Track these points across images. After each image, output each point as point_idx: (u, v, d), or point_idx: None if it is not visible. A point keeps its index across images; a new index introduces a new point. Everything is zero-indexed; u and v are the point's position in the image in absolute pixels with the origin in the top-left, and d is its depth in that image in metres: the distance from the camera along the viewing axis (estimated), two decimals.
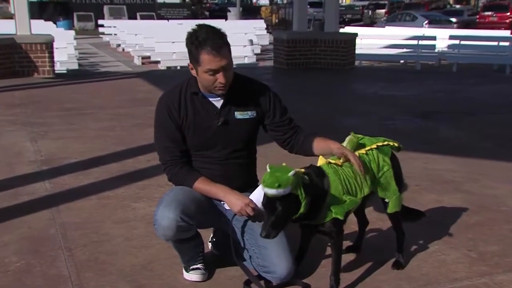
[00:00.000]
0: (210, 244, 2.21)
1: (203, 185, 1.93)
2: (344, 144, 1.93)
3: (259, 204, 1.77)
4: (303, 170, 1.75)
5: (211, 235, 2.21)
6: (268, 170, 1.66)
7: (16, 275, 2.04)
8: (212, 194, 1.93)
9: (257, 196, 1.81)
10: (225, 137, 1.95)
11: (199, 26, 1.88)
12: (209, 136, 1.95)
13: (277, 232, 1.70)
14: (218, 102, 1.95)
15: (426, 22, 17.48)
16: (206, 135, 1.95)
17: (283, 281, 1.91)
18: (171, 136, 1.95)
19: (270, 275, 1.92)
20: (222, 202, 1.98)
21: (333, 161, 1.86)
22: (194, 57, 1.85)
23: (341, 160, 1.87)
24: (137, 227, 2.47)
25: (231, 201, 1.88)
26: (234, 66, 1.91)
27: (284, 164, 1.70)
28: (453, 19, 18.30)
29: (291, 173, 1.62)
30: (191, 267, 2.00)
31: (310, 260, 2.03)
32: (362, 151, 1.93)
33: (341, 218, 1.76)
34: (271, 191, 1.62)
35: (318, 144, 1.95)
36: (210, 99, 1.95)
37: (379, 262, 2.11)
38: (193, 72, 1.90)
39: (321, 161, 1.85)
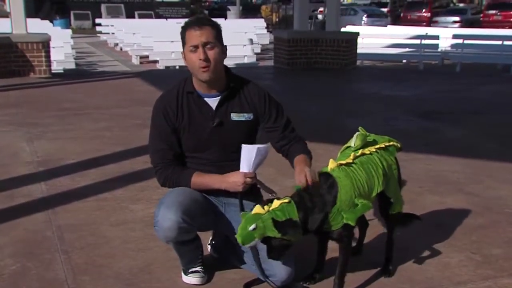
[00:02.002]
0: (209, 247, 2.18)
1: (198, 179, 1.90)
2: (353, 139, 1.92)
3: (254, 167, 1.83)
4: (286, 200, 1.71)
5: (210, 238, 2.19)
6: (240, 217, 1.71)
7: (12, 279, 2.01)
8: (209, 185, 1.91)
9: (247, 163, 1.83)
10: (220, 138, 1.92)
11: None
12: (204, 137, 1.92)
13: (280, 255, 1.75)
14: (213, 103, 1.92)
15: (365, 15, 19.40)
16: (201, 136, 1.92)
17: (283, 284, 1.89)
18: (165, 139, 1.92)
19: (270, 278, 1.89)
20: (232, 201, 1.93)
21: (343, 162, 1.84)
22: (182, 40, 1.88)
23: (351, 157, 1.85)
24: (135, 229, 2.45)
25: (229, 184, 1.87)
26: (233, 66, 1.88)
27: (257, 206, 1.69)
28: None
29: (250, 228, 1.64)
30: (190, 270, 1.97)
31: (310, 262, 1.99)
32: (372, 148, 1.93)
33: (352, 224, 1.75)
34: (243, 248, 1.73)
35: (295, 163, 1.91)
36: (206, 99, 1.92)
37: (380, 264, 2.09)
38: (184, 61, 1.90)
39: (331, 164, 1.83)
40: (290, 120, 2.01)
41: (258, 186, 1.91)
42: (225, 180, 1.88)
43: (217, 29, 1.88)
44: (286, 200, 1.70)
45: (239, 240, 1.68)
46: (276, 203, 1.69)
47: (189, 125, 1.91)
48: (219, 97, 1.91)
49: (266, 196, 2.07)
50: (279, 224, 1.65)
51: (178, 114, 1.91)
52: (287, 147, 1.97)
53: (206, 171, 1.93)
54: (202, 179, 1.91)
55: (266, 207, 1.68)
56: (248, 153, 1.82)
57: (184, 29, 1.87)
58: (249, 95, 1.95)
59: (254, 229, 1.63)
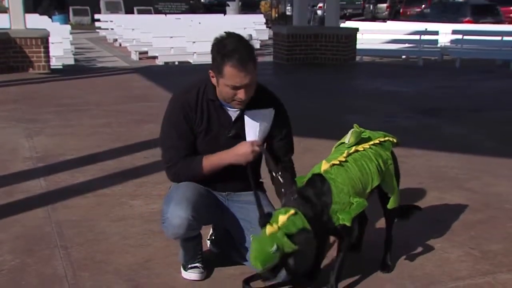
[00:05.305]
0: (208, 242, 2.18)
1: (209, 162, 1.88)
2: (348, 136, 1.92)
3: (260, 134, 1.81)
4: (292, 211, 1.67)
5: (210, 233, 2.19)
6: (251, 240, 1.66)
7: (11, 274, 2.01)
8: (221, 163, 1.88)
9: (253, 131, 1.82)
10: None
11: (228, 34, 1.80)
12: (218, 145, 1.91)
13: (297, 269, 1.71)
14: (234, 113, 1.90)
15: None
16: (215, 144, 1.91)
17: (284, 280, 1.88)
18: (182, 137, 1.89)
19: None
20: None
21: (336, 161, 1.82)
22: (217, 67, 1.78)
23: (344, 154, 1.84)
24: (134, 225, 2.44)
25: (240, 156, 1.84)
26: None
27: (268, 226, 1.64)
28: None
29: (273, 250, 1.60)
30: (189, 266, 1.98)
31: None
32: (366, 145, 1.92)
33: (348, 224, 1.75)
34: (260, 271, 1.65)
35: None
36: (227, 107, 1.90)
37: (380, 260, 2.08)
38: (214, 80, 1.83)
39: (324, 166, 1.80)
40: (293, 143, 2.01)
41: (265, 157, 1.87)
42: (235, 153, 1.85)
43: (255, 55, 1.79)
44: (292, 212, 1.67)
45: (258, 264, 1.62)
46: (283, 218, 1.66)
47: (206, 131, 1.89)
48: (239, 110, 1.88)
49: (269, 190, 2.06)
50: (294, 237, 1.63)
51: (197, 117, 1.88)
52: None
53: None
54: (212, 160, 1.88)
55: (274, 224, 1.65)
56: (252, 121, 1.81)
57: (224, 60, 1.73)
58: (268, 107, 1.91)
59: (276, 250, 1.60)
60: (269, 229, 1.64)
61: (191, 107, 1.88)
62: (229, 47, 1.74)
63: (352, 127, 1.97)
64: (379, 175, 1.87)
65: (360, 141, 1.91)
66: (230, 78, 1.75)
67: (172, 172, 1.92)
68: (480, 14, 14.16)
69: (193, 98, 1.89)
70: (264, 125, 1.83)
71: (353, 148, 1.87)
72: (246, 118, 1.83)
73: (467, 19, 13.74)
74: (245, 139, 1.89)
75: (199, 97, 1.89)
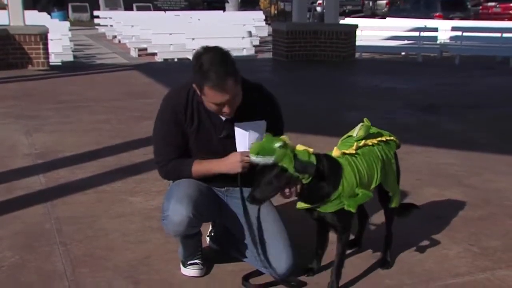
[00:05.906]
0: (207, 239, 2.18)
1: (198, 168, 1.89)
2: (356, 130, 1.92)
3: (249, 146, 1.80)
4: (311, 150, 1.71)
5: (210, 229, 2.19)
6: (264, 138, 1.69)
7: (10, 271, 2.01)
8: (210, 171, 1.89)
9: (243, 143, 1.84)
10: (226, 148, 1.91)
11: (205, 49, 1.76)
12: (210, 146, 1.91)
13: (262, 200, 1.71)
14: None
15: None
16: (207, 145, 1.91)
17: (283, 277, 1.89)
18: (173, 136, 1.90)
19: (270, 270, 1.89)
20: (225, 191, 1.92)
21: (347, 151, 1.84)
22: (198, 86, 1.78)
23: (354, 147, 1.85)
24: (133, 222, 2.44)
25: (229, 166, 1.85)
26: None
27: (285, 139, 1.67)
28: None
29: (277, 145, 1.62)
30: (189, 262, 1.98)
31: (309, 255, 1.99)
32: (374, 141, 1.93)
33: (353, 211, 1.76)
34: (252, 158, 1.66)
35: None
36: None
37: (380, 257, 2.09)
38: (198, 93, 1.83)
39: (335, 152, 1.83)
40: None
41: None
42: (224, 163, 1.86)
43: (234, 69, 1.74)
44: (311, 150, 1.70)
45: (254, 149, 1.64)
46: (301, 147, 1.69)
47: (197, 132, 1.90)
48: None
49: None
50: (298, 163, 1.64)
51: (187, 117, 1.88)
52: None
53: None
54: (202, 167, 1.90)
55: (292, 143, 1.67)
56: (242, 133, 1.82)
57: (202, 81, 1.72)
58: (260, 105, 1.91)
59: (281, 146, 1.61)
60: (284, 138, 1.66)
61: (181, 107, 1.88)
62: (205, 66, 1.72)
63: (355, 123, 1.97)
64: (382, 174, 1.89)
65: (367, 136, 1.92)
66: (211, 98, 1.76)
67: (163, 171, 1.94)
68: (449, 9, 14.32)
69: (183, 98, 1.89)
70: (255, 137, 1.83)
71: (362, 142, 1.88)
72: (237, 130, 1.84)
73: (438, 14, 13.86)
74: (235, 140, 1.88)
75: (189, 98, 1.88)
